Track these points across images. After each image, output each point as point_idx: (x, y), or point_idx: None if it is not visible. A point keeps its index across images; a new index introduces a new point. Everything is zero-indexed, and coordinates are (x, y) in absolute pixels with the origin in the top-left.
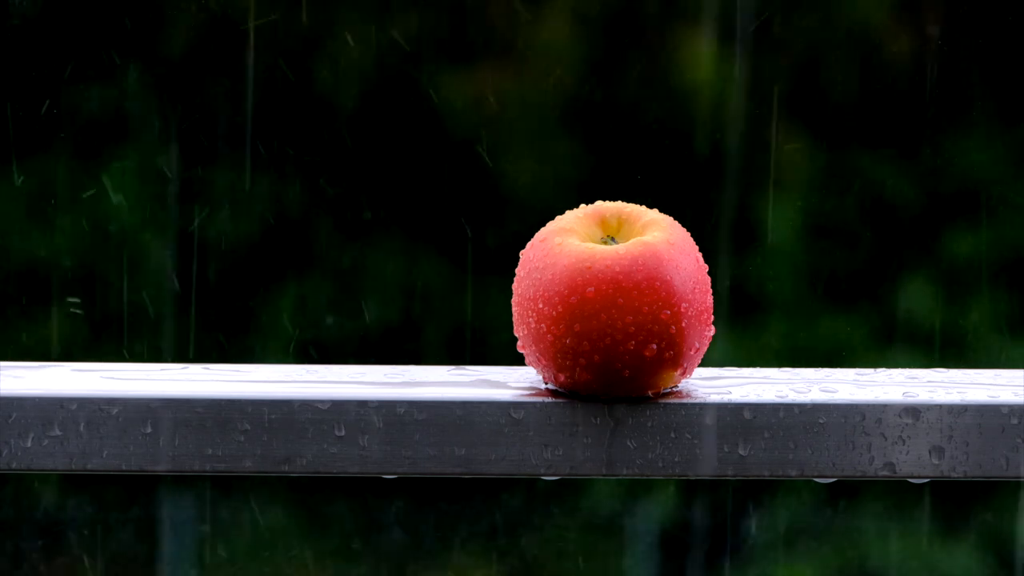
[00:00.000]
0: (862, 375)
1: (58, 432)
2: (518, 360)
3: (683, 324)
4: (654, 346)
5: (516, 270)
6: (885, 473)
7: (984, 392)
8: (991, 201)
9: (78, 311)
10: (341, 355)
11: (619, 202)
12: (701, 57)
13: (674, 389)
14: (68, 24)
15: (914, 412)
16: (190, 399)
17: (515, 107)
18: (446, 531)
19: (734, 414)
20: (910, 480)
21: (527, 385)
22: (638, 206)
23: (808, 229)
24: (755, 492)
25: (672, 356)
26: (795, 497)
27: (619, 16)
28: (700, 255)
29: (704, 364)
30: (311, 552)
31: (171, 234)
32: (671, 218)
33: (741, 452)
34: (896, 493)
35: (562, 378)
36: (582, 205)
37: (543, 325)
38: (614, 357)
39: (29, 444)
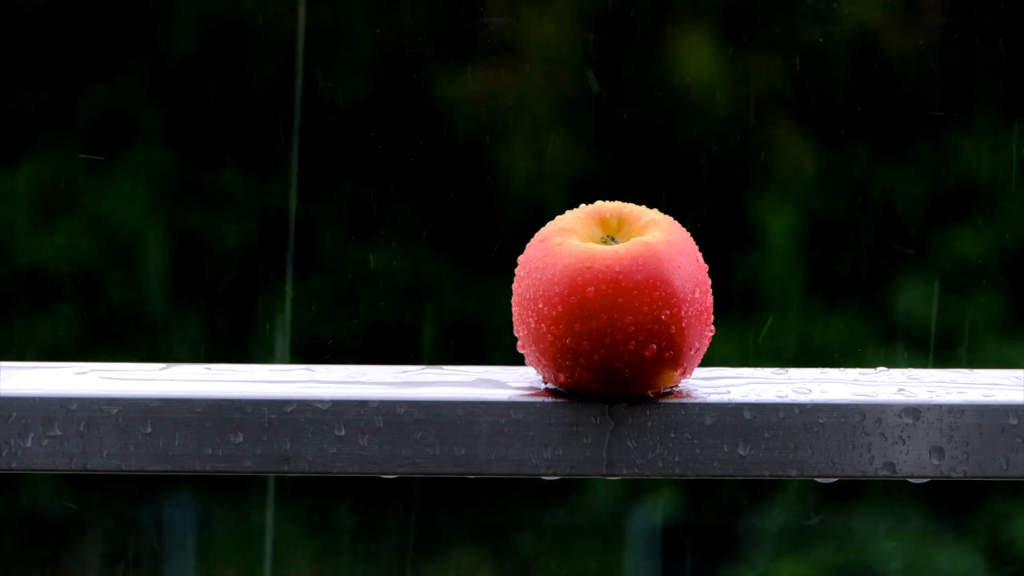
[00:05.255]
0: (862, 375)
1: (58, 432)
2: (518, 360)
3: (683, 324)
4: (654, 346)
5: (516, 270)
6: (885, 473)
7: (984, 392)
8: (991, 201)
9: (79, 311)
10: (341, 355)
11: (619, 202)
12: (701, 57)
13: (674, 389)
14: (70, 25)
15: (914, 412)
16: (190, 399)
17: (515, 106)
18: (446, 531)
19: (734, 414)
20: (910, 480)
21: (527, 385)
22: (638, 206)
23: (808, 229)
24: (755, 492)
25: (672, 356)
26: (795, 497)
27: (619, 16)
28: (700, 255)
29: (704, 364)
30: (310, 552)
31: (172, 234)
32: (671, 218)
33: (741, 452)
34: (896, 493)
35: (562, 378)
36: (582, 205)
37: (543, 325)
38: (614, 357)
39: (29, 444)
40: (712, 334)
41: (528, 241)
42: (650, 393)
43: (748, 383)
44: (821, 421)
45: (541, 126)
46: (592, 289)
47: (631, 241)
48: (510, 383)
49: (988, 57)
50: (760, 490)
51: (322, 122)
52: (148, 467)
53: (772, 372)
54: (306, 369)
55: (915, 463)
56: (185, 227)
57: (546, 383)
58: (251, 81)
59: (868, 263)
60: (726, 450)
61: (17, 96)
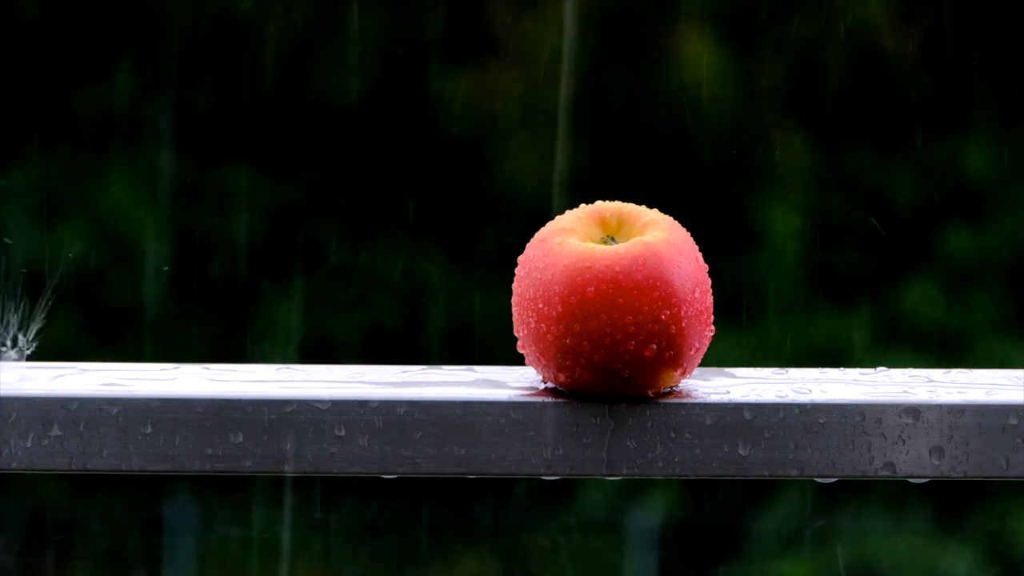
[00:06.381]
0: (862, 375)
1: (58, 432)
2: (518, 360)
3: (683, 324)
4: (654, 346)
5: (516, 270)
6: (885, 473)
7: (984, 392)
8: (990, 201)
9: (78, 310)
10: (342, 355)
11: (619, 202)
12: (701, 57)
13: (674, 389)
14: (70, 24)
15: (914, 412)
16: (190, 399)
17: (515, 107)
18: (446, 531)
19: (734, 414)
20: (910, 480)
21: (527, 385)
22: (638, 206)
23: (808, 229)
24: (755, 492)
25: (672, 356)
26: (795, 497)
27: (619, 16)
28: (700, 255)
29: (704, 364)
30: (310, 552)
31: (171, 234)
32: (671, 218)
33: (741, 452)
34: (896, 493)
35: (562, 378)
36: (582, 205)
37: (543, 325)
38: (614, 357)
39: (29, 444)
40: (712, 334)
41: (528, 241)
42: (650, 393)
43: (748, 383)
44: (821, 421)
45: (541, 126)
46: (592, 289)
47: (631, 241)
48: (510, 383)
49: (989, 57)
50: (760, 490)
51: (322, 121)
52: (148, 467)
53: (772, 372)
54: (306, 369)
55: (915, 463)
56: (186, 226)
57: (546, 383)
58: (251, 79)
59: (868, 263)
60: (726, 450)
61: (16, 95)
